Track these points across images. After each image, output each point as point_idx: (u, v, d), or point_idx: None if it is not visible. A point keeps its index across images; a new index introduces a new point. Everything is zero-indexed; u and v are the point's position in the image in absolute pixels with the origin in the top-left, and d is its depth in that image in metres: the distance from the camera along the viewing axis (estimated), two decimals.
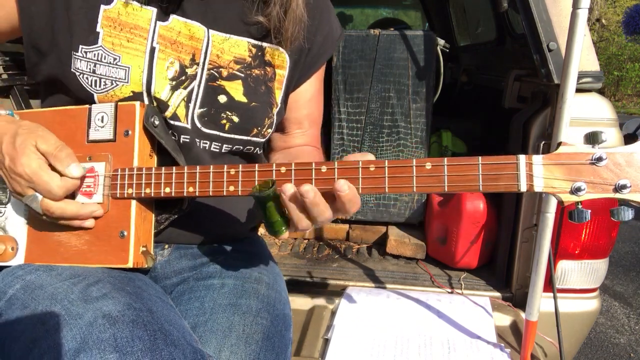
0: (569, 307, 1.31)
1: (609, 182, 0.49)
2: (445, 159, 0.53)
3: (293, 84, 0.83)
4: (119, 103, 0.67)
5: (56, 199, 0.63)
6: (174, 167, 0.64)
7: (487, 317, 1.30)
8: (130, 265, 0.67)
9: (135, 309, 0.59)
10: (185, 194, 0.64)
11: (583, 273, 1.29)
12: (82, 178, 0.67)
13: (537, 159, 0.51)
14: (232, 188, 0.62)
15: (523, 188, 0.51)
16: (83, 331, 0.55)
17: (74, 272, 0.66)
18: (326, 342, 1.20)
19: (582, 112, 1.19)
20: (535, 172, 0.51)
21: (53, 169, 0.64)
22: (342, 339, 1.20)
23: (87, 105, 0.68)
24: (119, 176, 0.66)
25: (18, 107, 1.47)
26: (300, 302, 1.39)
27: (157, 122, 0.68)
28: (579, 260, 1.28)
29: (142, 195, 0.66)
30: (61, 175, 0.64)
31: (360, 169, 0.56)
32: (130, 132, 0.66)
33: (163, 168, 0.65)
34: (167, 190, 0.65)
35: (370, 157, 0.57)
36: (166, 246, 0.82)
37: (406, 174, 0.54)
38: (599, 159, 0.49)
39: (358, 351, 1.15)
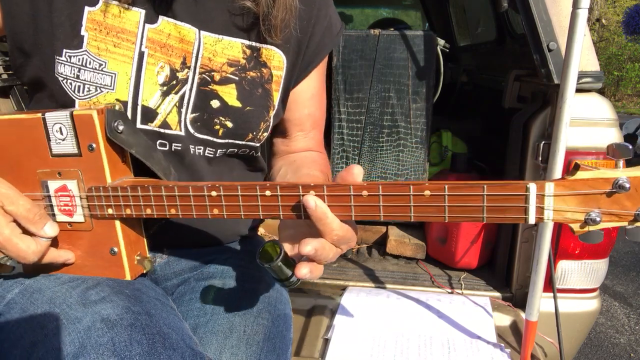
0: (569, 307, 1.32)
1: (628, 209, 0.44)
2: (446, 186, 0.48)
3: (292, 83, 0.81)
4: (74, 112, 0.60)
5: (30, 263, 0.61)
6: (150, 187, 0.59)
7: (487, 317, 1.30)
8: (128, 278, 0.66)
9: (134, 312, 0.58)
10: (167, 216, 0.60)
11: (583, 273, 1.29)
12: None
13: (550, 188, 0.45)
14: (216, 211, 0.57)
15: (532, 220, 0.46)
16: (81, 335, 0.54)
17: (73, 276, 0.66)
18: (326, 342, 1.20)
19: (582, 112, 1.19)
20: (547, 204, 0.46)
21: (24, 229, 0.60)
22: (342, 339, 1.20)
23: (39, 115, 0.61)
24: (94, 197, 0.62)
25: (18, 107, 1.47)
26: (300, 302, 1.39)
27: (121, 127, 0.61)
28: (579, 260, 1.28)
29: (124, 215, 0.62)
30: (33, 235, 0.61)
31: (352, 196, 0.51)
32: (94, 146, 0.61)
33: (139, 188, 0.59)
34: (149, 211, 0.60)
35: (358, 172, 0.52)
36: (165, 249, 0.81)
37: (402, 202, 0.50)
38: (621, 187, 0.43)
39: (358, 351, 1.15)
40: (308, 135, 0.88)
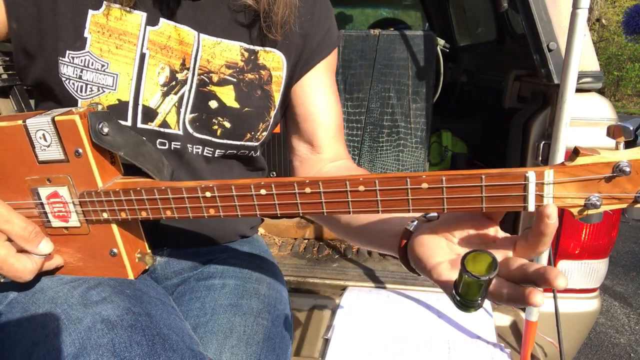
0: (569, 307, 1.32)
1: (628, 192, 0.43)
2: (444, 177, 0.46)
3: (294, 80, 0.81)
4: (56, 118, 0.57)
5: (27, 281, 0.60)
6: (143, 191, 0.57)
7: (487, 317, 1.30)
8: (131, 277, 0.66)
9: (134, 313, 0.58)
10: (164, 218, 0.59)
11: (583, 273, 1.29)
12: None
13: (549, 176, 0.44)
14: (212, 212, 0.56)
15: (531, 208, 0.45)
16: (82, 336, 0.55)
17: (75, 276, 0.66)
18: (326, 342, 1.20)
19: (582, 112, 1.19)
20: (546, 192, 0.45)
21: (18, 247, 0.59)
22: (342, 339, 1.20)
23: (20, 121, 0.59)
24: (87, 202, 0.60)
25: (18, 107, 1.47)
26: (300, 302, 1.39)
27: (105, 130, 0.59)
28: (579, 260, 1.28)
29: (119, 219, 0.61)
30: (29, 252, 0.60)
31: (348, 192, 0.49)
32: (81, 151, 0.59)
33: (132, 191, 0.58)
34: (144, 214, 0.59)
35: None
36: (165, 248, 0.81)
37: (400, 196, 0.49)
38: (622, 171, 0.42)
39: (358, 351, 1.15)
40: (337, 140, 0.84)
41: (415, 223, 0.54)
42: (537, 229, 0.43)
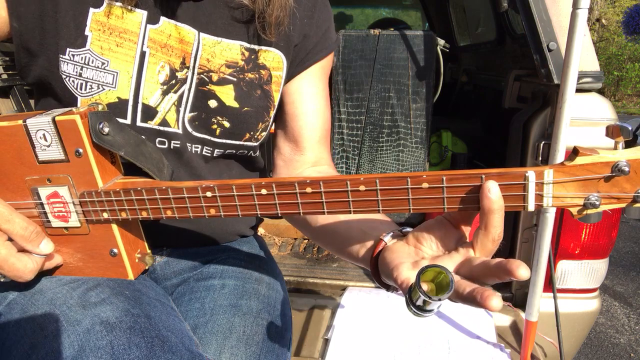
0: (569, 307, 1.32)
1: (627, 192, 0.44)
2: (444, 177, 0.47)
3: (288, 80, 0.81)
4: (57, 118, 0.58)
5: (27, 281, 0.60)
6: (143, 190, 0.57)
7: (487, 317, 1.30)
8: (131, 278, 0.66)
9: (133, 314, 0.58)
10: (164, 217, 0.59)
11: (583, 273, 1.29)
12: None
13: (549, 176, 0.44)
14: (213, 211, 0.56)
15: (531, 208, 0.46)
16: (80, 338, 0.55)
17: (74, 277, 0.66)
18: (326, 342, 1.20)
19: (582, 112, 1.19)
20: (546, 192, 0.45)
21: (19, 246, 0.59)
22: (342, 339, 1.20)
23: (20, 121, 0.59)
24: (88, 202, 0.60)
25: (18, 107, 1.47)
26: (300, 302, 1.39)
27: (106, 130, 0.59)
28: (579, 260, 1.28)
29: (120, 219, 0.61)
30: (28, 252, 0.60)
31: (349, 191, 0.50)
32: (81, 151, 0.59)
33: (132, 192, 0.58)
34: (144, 214, 0.59)
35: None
36: (165, 248, 0.81)
37: (400, 195, 0.48)
38: (620, 171, 0.43)
39: (358, 351, 1.15)
40: (322, 144, 0.84)
41: (390, 234, 0.56)
42: (482, 207, 0.45)
